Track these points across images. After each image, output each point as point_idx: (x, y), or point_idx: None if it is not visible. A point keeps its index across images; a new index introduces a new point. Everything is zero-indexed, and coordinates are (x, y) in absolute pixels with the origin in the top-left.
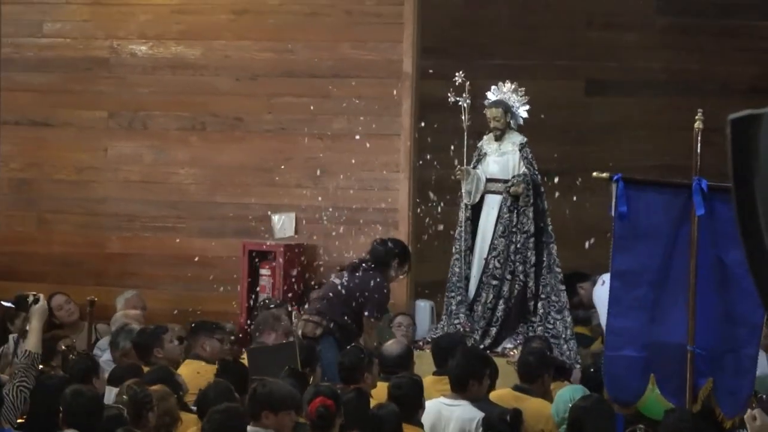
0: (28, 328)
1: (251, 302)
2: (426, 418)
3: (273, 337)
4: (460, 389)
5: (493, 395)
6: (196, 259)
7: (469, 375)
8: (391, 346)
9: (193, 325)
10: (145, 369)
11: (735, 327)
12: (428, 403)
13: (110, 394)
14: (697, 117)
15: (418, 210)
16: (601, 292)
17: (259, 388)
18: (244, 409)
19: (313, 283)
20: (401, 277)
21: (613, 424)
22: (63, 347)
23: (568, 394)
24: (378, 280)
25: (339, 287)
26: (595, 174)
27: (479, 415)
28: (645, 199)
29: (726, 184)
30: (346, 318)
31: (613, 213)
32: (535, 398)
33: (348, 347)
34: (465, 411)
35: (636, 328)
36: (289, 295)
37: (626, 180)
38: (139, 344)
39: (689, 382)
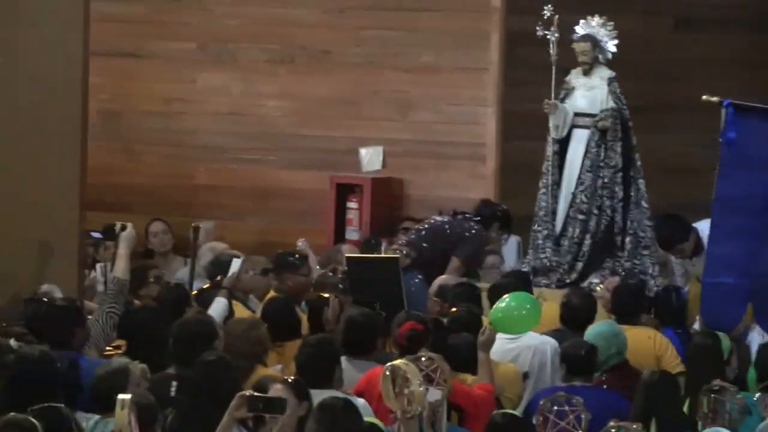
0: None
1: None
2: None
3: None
4: None
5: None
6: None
7: None
8: (448, 280)
9: (278, 256)
10: None
11: None
12: None
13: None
14: None
15: (506, 144)
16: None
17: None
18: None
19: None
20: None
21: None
22: (152, 278)
23: (598, 326)
24: (481, 230)
25: (441, 222)
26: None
27: (550, 341)
28: (754, 127)
29: None
30: (435, 254)
31: (720, 139)
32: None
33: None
34: (532, 339)
35: (736, 255)
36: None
37: (736, 106)
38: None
39: None
